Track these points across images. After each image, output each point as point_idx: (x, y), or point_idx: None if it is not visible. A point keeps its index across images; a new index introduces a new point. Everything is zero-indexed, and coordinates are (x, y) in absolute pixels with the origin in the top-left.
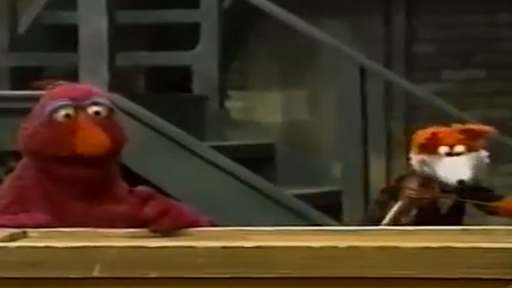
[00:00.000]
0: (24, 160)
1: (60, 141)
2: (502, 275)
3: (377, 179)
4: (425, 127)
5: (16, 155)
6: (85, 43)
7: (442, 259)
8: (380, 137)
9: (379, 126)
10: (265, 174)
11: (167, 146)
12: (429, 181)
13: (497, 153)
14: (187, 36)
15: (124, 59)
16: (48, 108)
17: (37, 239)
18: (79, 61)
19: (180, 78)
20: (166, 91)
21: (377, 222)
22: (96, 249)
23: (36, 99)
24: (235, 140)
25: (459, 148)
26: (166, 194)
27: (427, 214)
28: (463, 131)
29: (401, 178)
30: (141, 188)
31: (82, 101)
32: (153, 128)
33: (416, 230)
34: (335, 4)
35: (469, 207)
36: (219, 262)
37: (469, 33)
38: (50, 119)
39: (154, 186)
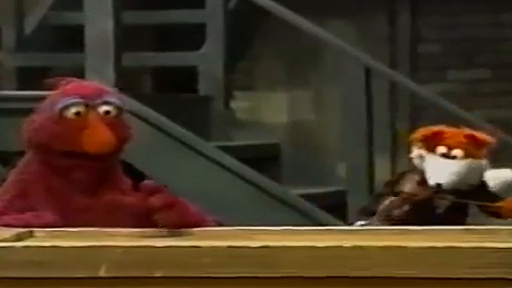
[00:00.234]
0: (27, 155)
1: (68, 137)
2: (506, 275)
3: (382, 179)
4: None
5: (22, 155)
6: (91, 44)
7: (446, 258)
8: (385, 137)
9: (384, 126)
10: (271, 174)
11: (172, 146)
12: (423, 178)
13: (502, 153)
14: (192, 37)
15: (130, 59)
16: (59, 105)
17: (44, 238)
18: (85, 61)
19: (186, 78)
20: (172, 92)
21: (371, 215)
22: (102, 249)
23: (42, 99)
24: (240, 140)
25: (456, 151)
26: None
27: (421, 211)
28: (467, 136)
29: (403, 174)
30: (148, 182)
31: (93, 99)
32: (159, 128)
33: (420, 229)
34: (340, 4)
35: (474, 208)
36: (225, 262)
37: (474, 33)
38: (60, 115)
39: None
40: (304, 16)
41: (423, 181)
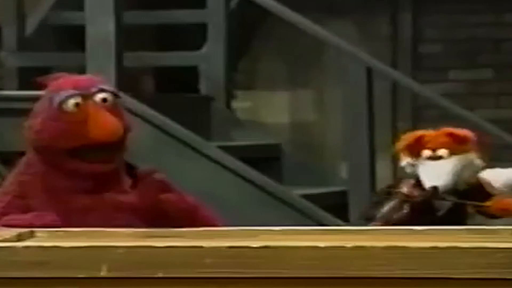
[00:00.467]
0: (28, 156)
1: (73, 131)
2: (508, 275)
3: (384, 179)
4: (434, 127)
5: (23, 155)
6: (93, 44)
7: (449, 259)
8: (386, 137)
9: (386, 126)
10: (272, 174)
11: (174, 146)
12: (419, 182)
13: (504, 153)
14: (193, 37)
15: (131, 59)
16: (57, 100)
17: (45, 239)
18: (86, 61)
19: (187, 78)
20: (173, 92)
21: (370, 220)
22: (103, 249)
23: None
24: (241, 140)
25: (441, 151)
26: None
27: (421, 214)
28: (447, 135)
29: (400, 179)
30: (157, 176)
31: (88, 89)
32: (160, 128)
33: (422, 230)
34: (341, 4)
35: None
36: (226, 262)
37: (476, 33)
38: (59, 110)
39: None
40: (305, 16)
41: (419, 184)
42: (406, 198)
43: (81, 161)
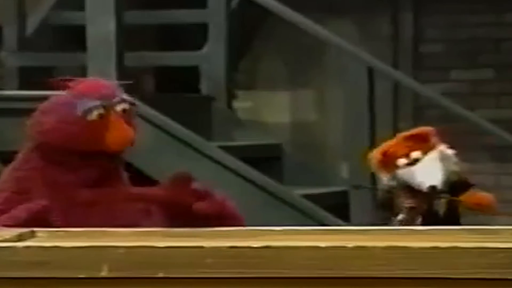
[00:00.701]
0: (25, 152)
1: (91, 137)
2: (510, 275)
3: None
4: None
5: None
6: (93, 44)
7: (449, 259)
8: (387, 137)
9: (387, 126)
10: (273, 174)
11: (174, 146)
12: (413, 189)
13: (505, 153)
14: (194, 36)
15: (132, 59)
16: (80, 108)
17: (45, 239)
18: (87, 61)
19: (188, 78)
20: (174, 91)
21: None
22: (104, 249)
23: (44, 99)
24: (242, 140)
25: (414, 154)
26: None
27: (430, 218)
28: (407, 138)
29: (389, 194)
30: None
31: (111, 99)
32: (160, 128)
33: (424, 230)
34: (342, 4)
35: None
36: (227, 262)
37: (477, 33)
38: (82, 118)
39: None
40: (306, 16)
41: (411, 191)
42: (416, 207)
43: (88, 161)
